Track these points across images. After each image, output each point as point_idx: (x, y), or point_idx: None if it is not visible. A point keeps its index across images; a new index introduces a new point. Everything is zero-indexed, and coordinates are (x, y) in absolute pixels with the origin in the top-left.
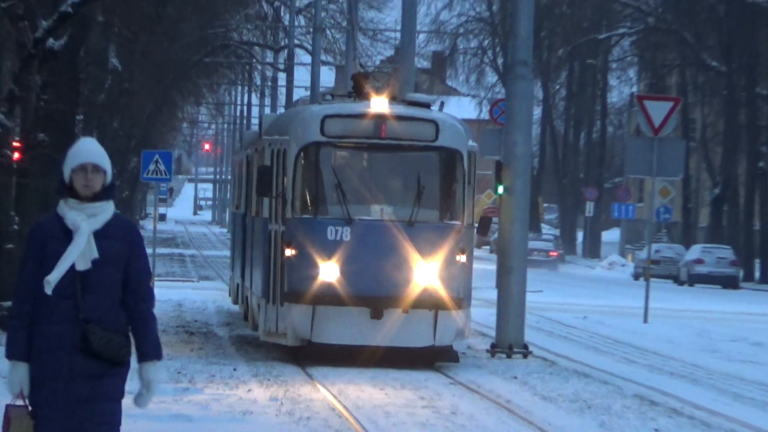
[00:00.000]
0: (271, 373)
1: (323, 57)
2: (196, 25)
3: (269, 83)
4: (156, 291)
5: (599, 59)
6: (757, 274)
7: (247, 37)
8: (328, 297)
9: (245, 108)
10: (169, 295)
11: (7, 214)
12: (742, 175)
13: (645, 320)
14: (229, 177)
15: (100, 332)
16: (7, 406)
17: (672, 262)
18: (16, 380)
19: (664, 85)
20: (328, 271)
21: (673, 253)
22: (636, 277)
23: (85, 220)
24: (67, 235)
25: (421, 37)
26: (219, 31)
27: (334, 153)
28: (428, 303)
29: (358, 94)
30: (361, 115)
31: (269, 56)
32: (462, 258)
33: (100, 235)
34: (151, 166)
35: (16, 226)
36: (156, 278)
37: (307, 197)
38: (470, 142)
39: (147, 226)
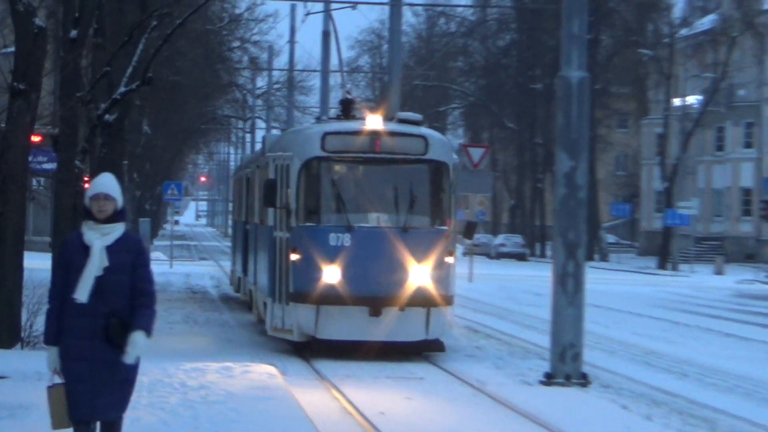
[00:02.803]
0: (245, 317)
1: (273, 123)
2: (197, 105)
3: (240, 140)
4: (174, 266)
5: (440, 123)
6: (538, 252)
7: (227, 112)
8: (331, 297)
9: (226, 155)
10: (181, 269)
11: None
12: (528, 192)
13: (470, 280)
14: (216, 197)
15: (117, 323)
16: (48, 388)
17: (486, 245)
18: (51, 360)
19: (479, 138)
20: (331, 274)
21: (486, 240)
22: (465, 254)
23: (99, 239)
24: (85, 250)
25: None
26: (210, 109)
27: (334, 166)
28: (422, 301)
29: (346, 116)
30: (357, 132)
31: (240, 124)
32: (450, 260)
33: (111, 249)
34: (169, 191)
35: None
36: (174, 259)
37: (310, 207)
38: (454, 156)
39: (167, 228)
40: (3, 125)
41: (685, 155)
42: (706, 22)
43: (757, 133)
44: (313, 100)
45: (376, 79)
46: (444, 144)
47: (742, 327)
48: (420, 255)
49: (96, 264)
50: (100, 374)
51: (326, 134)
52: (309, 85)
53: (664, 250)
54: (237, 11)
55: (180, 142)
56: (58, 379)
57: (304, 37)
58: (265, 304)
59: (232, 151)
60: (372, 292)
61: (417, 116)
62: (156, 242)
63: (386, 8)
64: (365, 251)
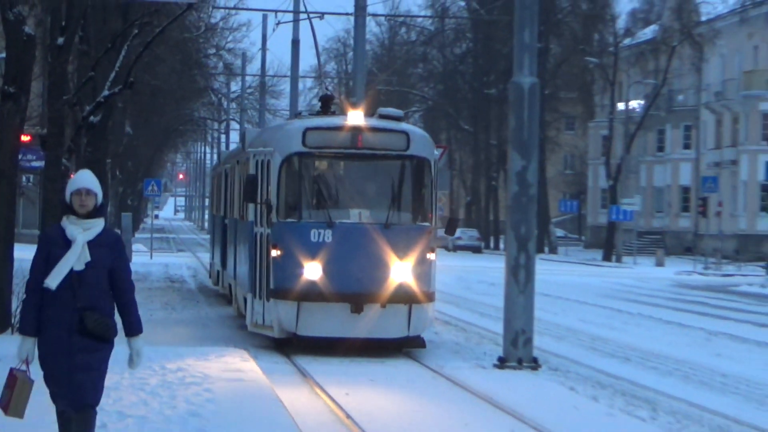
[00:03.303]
0: (220, 302)
1: (246, 125)
2: (175, 107)
3: (216, 140)
4: (154, 257)
5: None
6: (492, 245)
7: (203, 114)
8: (312, 294)
9: (202, 154)
10: (160, 259)
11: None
12: (483, 189)
13: None
14: (193, 194)
15: (92, 316)
16: (12, 369)
17: (444, 239)
18: (24, 350)
19: (438, 139)
20: (312, 271)
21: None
22: None
23: (81, 233)
24: (66, 244)
25: None
26: (187, 111)
27: (315, 162)
28: (403, 298)
29: (326, 112)
30: (339, 128)
31: (216, 125)
32: (432, 256)
33: (92, 244)
34: (150, 188)
35: None
36: (154, 251)
37: (291, 203)
38: (435, 152)
39: (148, 222)
40: None
41: (629, 155)
42: (648, 32)
43: (695, 136)
44: (284, 103)
45: (342, 84)
46: (426, 140)
47: (680, 315)
48: (402, 251)
49: (76, 257)
50: (79, 365)
51: (307, 130)
52: (279, 89)
53: (608, 244)
54: (213, 21)
55: (160, 142)
56: (24, 368)
57: (275, 44)
58: (245, 299)
59: (208, 150)
60: (353, 288)
61: (398, 112)
62: (137, 235)
63: (351, 18)
64: (347, 247)
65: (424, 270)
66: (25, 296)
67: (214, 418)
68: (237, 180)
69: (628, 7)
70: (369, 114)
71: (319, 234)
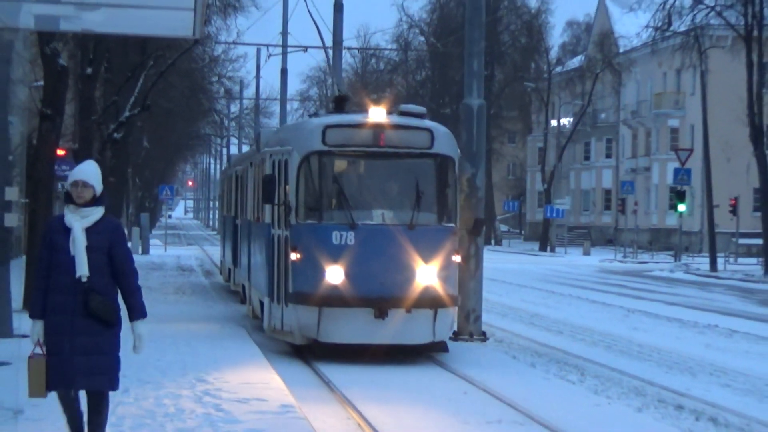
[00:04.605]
0: (223, 287)
1: (244, 140)
2: (185, 126)
3: (218, 153)
4: (168, 250)
5: None
6: None
7: (207, 131)
8: (334, 299)
9: (207, 165)
10: (173, 252)
11: None
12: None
13: None
14: (200, 197)
15: (96, 297)
16: (29, 357)
17: None
18: (35, 333)
19: None
20: (334, 274)
21: None
22: None
23: (78, 221)
24: (66, 230)
25: None
26: (194, 129)
27: (336, 161)
28: (429, 302)
29: (339, 112)
30: (360, 125)
31: (218, 140)
32: (457, 258)
33: (90, 231)
34: (164, 193)
35: None
36: (167, 244)
37: (311, 203)
38: (457, 150)
39: (162, 221)
40: (35, 142)
41: (560, 164)
42: (576, 61)
43: (615, 147)
44: (275, 122)
45: (322, 106)
46: (449, 137)
47: (603, 295)
48: (427, 253)
49: (82, 242)
50: (79, 347)
51: (327, 127)
52: (271, 110)
53: (544, 237)
54: (215, 53)
55: (172, 155)
56: (39, 351)
57: (267, 72)
58: (261, 302)
59: (212, 161)
60: (377, 293)
61: (420, 109)
62: (154, 231)
63: (330, 51)
64: (370, 250)
65: (449, 272)
66: (34, 282)
67: None
68: (251, 181)
69: (559, 41)
70: (389, 111)
71: (341, 236)
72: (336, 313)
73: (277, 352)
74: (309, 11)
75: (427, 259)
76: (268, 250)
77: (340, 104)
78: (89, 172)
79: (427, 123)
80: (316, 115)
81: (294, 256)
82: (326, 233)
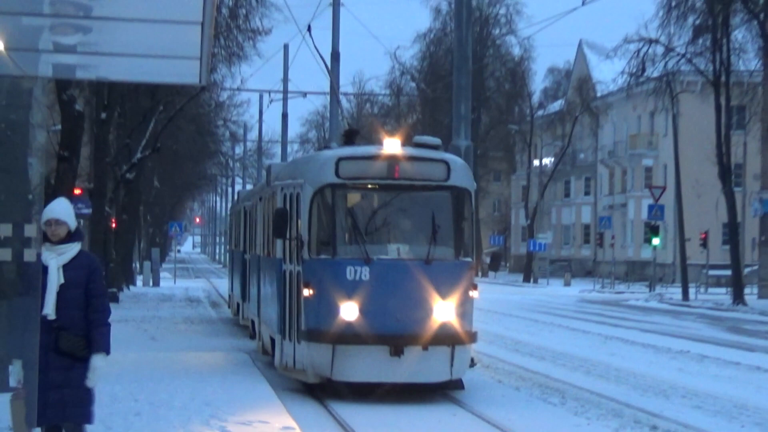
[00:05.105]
0: (231, 320)
1: (248, 180)
2: (192, 167)
3: (224, 192)
4: (177, 282)
5: None
6: None
7: (214, 172)
8: (349, 336)
9: (213, 203)
10: (182, 284)
11: (110, 251)
12: None
13: None
14: (207, 233)
15: (66, 336)
16: (11, 399)
17: None
18: (14, 372)
19: None
20: (348, 311)
21: None
22: None
23: (54, 258)
24: (45, 269)
25: None
26: (201, 169)
27: (349, 194)
28: (447, 339)
29: (350, 145)
30: (374, 157)
31: (223, 180)
32: (474, 294)
33: (67, 267)
34: (173, 229)
35: (114, 256)
36: (177, 277)
37: (324, 238)
38: (474, 183)
39: (172, 255)
40: (53, 182)
41: (542, 200)
42: (556, 105)
43: (593, 185)
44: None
45: (321, 148)
46: (466, 170)
47: (583, 323)
48: (444, 289)
49: (56, 282)
50: (51, 382)
51: (340, 159)
52: (273, 152)
53: (527, 269)
54: (220, 99)
55: (180, 193)
56: (19, 389)
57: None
58: (272, 339)
59: (218, 199)
60: (393, 330)
61: (435, 140)
62: (164, 265)
63: (328, 96)
64: (385, 286)
65: (466, 308)
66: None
67: None
68: (260, 216)
69: (541, 86)
70: (404, 143)
71: (356, 271)
72: (350, 351)
73: (289, 390)
74: (320, 55)
75: (444, 294)
76: (280, 285)
77: (350, 137)
78: (61, 209)
79: (443, 155)
80: (327, 147)
81: (307, 292)
82: (340, 268)
